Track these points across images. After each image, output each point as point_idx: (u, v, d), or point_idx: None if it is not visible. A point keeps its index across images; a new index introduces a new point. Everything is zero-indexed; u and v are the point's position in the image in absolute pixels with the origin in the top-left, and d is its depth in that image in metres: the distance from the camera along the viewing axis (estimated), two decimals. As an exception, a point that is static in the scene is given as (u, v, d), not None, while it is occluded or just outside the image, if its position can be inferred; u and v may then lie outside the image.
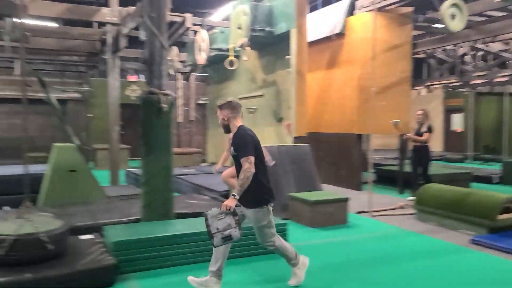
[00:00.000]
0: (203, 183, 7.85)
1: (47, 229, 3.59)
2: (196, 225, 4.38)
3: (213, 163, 12.56)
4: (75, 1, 10.12)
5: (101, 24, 9.56)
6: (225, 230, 3.22)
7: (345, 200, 6.06)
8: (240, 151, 3.31)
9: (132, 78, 15.83)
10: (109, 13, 8.02)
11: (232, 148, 3.42)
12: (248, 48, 8.69)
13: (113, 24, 8.26)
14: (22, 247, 3.41)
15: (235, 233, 3.23)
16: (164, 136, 4.86)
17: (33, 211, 4.00)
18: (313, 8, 12.49)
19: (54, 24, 11.58)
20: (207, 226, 3.25)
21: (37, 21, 10.45)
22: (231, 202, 3.22)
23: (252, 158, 3.26)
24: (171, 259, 4.06)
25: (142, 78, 15.84)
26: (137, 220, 4.86)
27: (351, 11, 8.92)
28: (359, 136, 8.86)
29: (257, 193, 3.38)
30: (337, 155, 9.29)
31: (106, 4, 8.44)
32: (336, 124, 9.22)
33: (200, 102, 15.68)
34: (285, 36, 8.28)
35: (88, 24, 10.72)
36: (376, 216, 6.44)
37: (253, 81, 10.36)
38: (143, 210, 4.85)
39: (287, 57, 8.21)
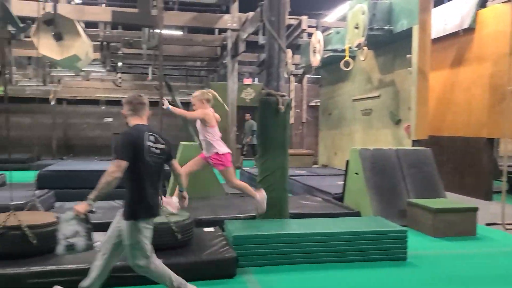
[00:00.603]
0: (315, 184, 7.84)
1: (176, 220, 3.93)
2: (311, 226, 4.40)
3: (324, 165, 12.52)
4: (199, 10, 10.92)
5: (222, 31, 10.14)
6: (70, 238, 2.78)
7: (474, 209, 5.53)
8: (116, 153, 2.87)
9: (247, 81, 16.46)
10: (230, 20, 8.48)
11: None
12: (365, 48, 8.46)
13: (233, 30, 8.71)
14: (155, 234, 3.77)
15: (81, 243, 2.78)
16: (281, 136, 4.97)
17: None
18: (437, 3, 11.63)
19: (179, 32, 12.61)
20: (57, 230, 2.85)
21: (165, 30, 11.49)
22: (82, 208, 2.77)
23: (122, 163, 2.80)
24: (287, 257, 4.11)
25: (256, 81, 16.41)
26: (253, 217, 5.03)
27: (482, 3, 8.13)
28: (490, 140, 8.01)
29: (132, 203, 2.92)
30: (461, 161, 8.51)
31: (227, 11, 8.95)
32: (461, 126, 8.46)
33: (312, 104, 15.70)
34: (406, 34, 7.87)
35: (210, 31, 11.46)
36: (510, 229, 5.76)
37: (368, 81, 10.04)
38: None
39: (408, 55, 7.79)
